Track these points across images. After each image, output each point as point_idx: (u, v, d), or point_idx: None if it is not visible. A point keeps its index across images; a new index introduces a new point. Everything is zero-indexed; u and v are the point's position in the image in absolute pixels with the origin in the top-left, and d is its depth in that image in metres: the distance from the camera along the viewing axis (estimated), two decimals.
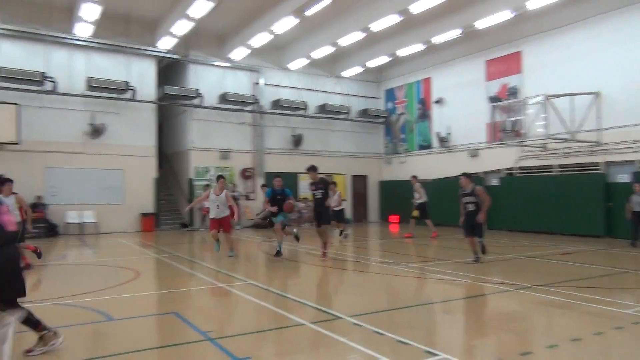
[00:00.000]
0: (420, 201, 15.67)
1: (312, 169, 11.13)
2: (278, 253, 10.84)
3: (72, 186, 17.63)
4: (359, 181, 24.58)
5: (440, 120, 21.53)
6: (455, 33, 17.67)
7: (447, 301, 6.92)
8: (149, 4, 17.51)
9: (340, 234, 15.27)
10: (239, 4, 16.96)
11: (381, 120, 24.58)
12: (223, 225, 10.92)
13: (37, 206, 16.62)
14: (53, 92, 17.22)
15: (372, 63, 21.53)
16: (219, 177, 11.33)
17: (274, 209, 11.04)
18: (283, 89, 22.14)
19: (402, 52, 19.98)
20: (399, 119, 24.04)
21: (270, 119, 21.89)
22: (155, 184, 19.35)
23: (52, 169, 17.34)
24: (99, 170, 18.05)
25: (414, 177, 16.42)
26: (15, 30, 16.77)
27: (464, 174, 10.13)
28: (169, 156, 22.20)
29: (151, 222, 18.72)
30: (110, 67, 18.41)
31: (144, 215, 18.59)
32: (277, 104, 21.39)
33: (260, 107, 21.43)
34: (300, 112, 22.17)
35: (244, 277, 8.44)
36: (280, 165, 21.80)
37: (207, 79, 20.39)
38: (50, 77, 17.05)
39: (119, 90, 18.08)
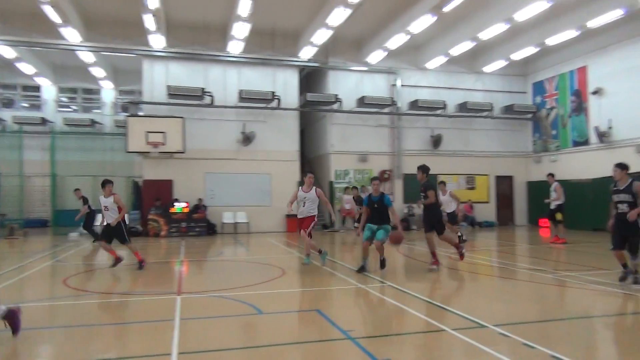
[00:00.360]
0: (558, 202, 14.12)
1: (422, 168, 10.05)
2: (362, 268, 9.13)
3: (227, 189, 19.46)
4: (504, 182, 23.08)
5: (599, 113, 19.26)
6: (616, 14, 15.68)
7: (609, 316, 6.17)
8: (291, 18, 18.58)
9: (460, 240, 14.11)
10: (374, 8, 17.13)
11: (529, 116, 22.81)
12: (303, 225, 9.86)
13: (199, 208, 18.67)
14: (211, 105, 19.21)
15: (517, 55, 20.10)
16: (310, 171, 10.50)
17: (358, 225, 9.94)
18: (421, 89, 21.78)
19: (552, 41, 18.32)
20: (550, 113, 22.05)
21: (408, 120, 21.69)
22: (298, 187, 20.38)
23: (210, 174, 19.33)
24: (250, 174, 19.64)
25: (551, 175, 14.87)
26: (179, 52, 19.10)
27: (619, 165, 8.00)
28: (310, 160, 23.26)
29: (295, 223, 19.74)
30: (258, 79, 19.93)
31: (289, 216, 19.71)
32: (414, 104, 21.11)
33: (398, 109, 21.35)
34: (439, 111, 21.58)
35: (382, 279, 8.48)
36: None
37: (346, 84, 20.94)
38: (209, 92, 19.05)
39: (266, 100, 19.48)
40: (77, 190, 16.41)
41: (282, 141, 20.26)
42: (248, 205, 19.66)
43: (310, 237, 9.83)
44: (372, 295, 7.36)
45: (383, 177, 21.26)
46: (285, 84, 20.31)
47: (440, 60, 20.63)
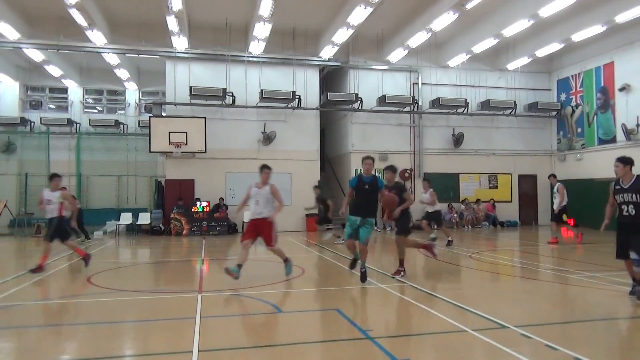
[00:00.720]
0: (563, 204, 13.83)
1: (391, 169, 9.25)
2: (363, 275, 8.04)
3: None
4: (527, 181, 22.70)
5: (626, 110, 18.77)
6: None
7: (633, 318, 6.02)
8: (312, 17, 18.60)
9: (448, 243, 13.59)
10: (395, 6, 17.03)
11: (553, 113, 22.37)
12: (261, 230, 8.34)
13: (220, 207, 18.85)
14: (232, 105, 19.38)
15: (542, 52, 19.72)
16: (265, 166, 8.81)
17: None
18: (442, 87, 21.58)
19: (578, 37, 17.92)
20: (575, 111, 21.59)
21: (429, 118, 21.51)
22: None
23: (231, 173, 19.49)
24: (271, 174, 19.70)
25: (553, 176, 14.67)
26: (202, 54, 19.31)
27: (621, 159, 6.72)
28: (330, 160, 23.26)
29: (314, 222, 19.79)
30: (278, 79, 20.02)
31: (309, 215, 19.75)
32: (436, 103, 20.92)
33: (419, 107, 21.19)
34: (461, 110, 21.34)
35: (403, 279, 8.44)
36: (440, 165, 21.33)
37: (366, 83, 20.88)
38: (230, 92, 19.22)
39: (287, 100, 19.55)
40: (63, 188, 16.42)
41: (302, 141, 20.31)
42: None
43: (276, 242, 8.51)
44: (392, 295, 7.34)
45: (404, 175, 21.14)
46: (306, 84, 20.35)
47: (462, 57, 20.39)
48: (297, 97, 19.70)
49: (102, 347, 4.90)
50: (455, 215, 20.93)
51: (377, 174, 8.47)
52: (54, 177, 9.80)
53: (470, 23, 18.35)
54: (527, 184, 22.69)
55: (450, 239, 13.83)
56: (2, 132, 21.94)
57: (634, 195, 6.42)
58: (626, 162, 6.65)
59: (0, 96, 22.88)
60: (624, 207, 6.51)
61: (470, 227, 20.67)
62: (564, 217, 13.95)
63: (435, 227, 14.06)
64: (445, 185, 21.45)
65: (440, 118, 21.62)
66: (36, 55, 19.17)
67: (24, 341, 5.23)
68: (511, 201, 22.37)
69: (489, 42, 18.54)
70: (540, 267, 10.26)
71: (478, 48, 19.16)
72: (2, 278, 8.68)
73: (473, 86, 21.87)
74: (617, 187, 6.67)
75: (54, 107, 24.08)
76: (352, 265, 8.71)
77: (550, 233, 14.64)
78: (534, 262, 10.97)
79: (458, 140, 21.51)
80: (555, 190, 14.09)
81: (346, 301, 7.17)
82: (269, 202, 8.41)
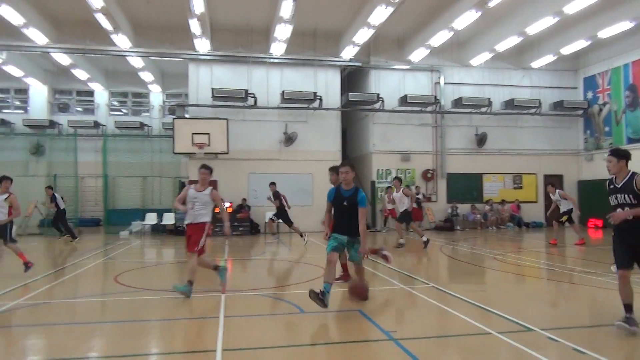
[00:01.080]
0: (570, 207, 13.89)
1: (334, 169, 8.44)
2: (322, 296, 6.10)
3: (270, 189, 19.69)
4: (553, 181, 22.16)
5: None
6: None
7: None
8: (332, 18, 18.60)
9: (425, 245, 13.10)
10: (416, 5, 16.91)
11: (579, 112, 21.91)
12: (192, 233, 7.48)
13: (242, 207, 19.00)
14: (254, 106, 19.51)
15: (567, 49, 19.32)
16: (203, 166, 8.00)
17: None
18: (464, 86, 21.33)
19: (604, 33, 17.50)
20: (602, 109, 21.10)
21: (451, 118, 21.29)
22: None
23: (254, 174, 19.62)
24: (292, 174, 19.80)
25: (551, 185, 14.69)
26: (224, 55, 19.51)
27: (614, 152, 5.48)
28: (352, 160, 23.21)
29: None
30: (300, 80, 20.08)
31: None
32: (458, 102, 20.68)
33: (441, 107, 20.99)
34: (484, 109, 21.06)
35: (426, 280, 8.37)
36: (463, 165, 21.11)
37: (388, 83, 20.78)
38: (252, 94, 19.36)
39: (308, 101, 19.59)
40: (48, 187, 17.01)
41: (323, 141, 20.32)
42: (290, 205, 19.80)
43: (203, 252, 7.60)
44: (415, 297, 7.28)
45: (426, 176, 20.97)
46: (327, 84, 20.36)
47: (485, 56, 20.13)
48: (318, 97, 19.72)
49: (128, 345, 4.99)
50: (478, 216, 20.67)
51: (358, 187, 6.91)
52: (3, 179, 9.39)
53: (493, 21, 18.10)
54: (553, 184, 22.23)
55: (425, 238, 13.27)
56: (32, 134, 22.59)
57: (627, 197, 5.20)
58: (621, 155, 5.37)
59: (30, 99, 23.59)
60: (620, 209, 5.27)
61: (494, 228, 20.39)
62: (564, 218, 14.01)
63: (405, 227, 13.84)
64: (468, 186, 21.22)
65: (463, 118, 21.37)
66: (64, 59, 19.63)
67: (52, 338, 5.36)
68: (536, 202, 21.98)
69: (512, 40, 18.25)
70: (566, 268, 10.05)
71: (501, 46, 18.88)
72: (31, 277, 8.91)
73: (496, 85, 21.56)
74: (611, 186, 5.48)
75: (81, 109, 24.64)
76: (318, 297, 6.08)
77: (576, 235, 14.34)
78: (560, 264, 10.75)
79: (481, 140, 21.24)
80: (557, 198, 14.08)
81: (369, 302, 7.13)
82: (206, 207, 7.54)
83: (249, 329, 5.56)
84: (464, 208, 20.90)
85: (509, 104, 21.07)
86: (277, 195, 15.48)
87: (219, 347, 4.73)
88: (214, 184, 19.21)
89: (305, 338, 5.27)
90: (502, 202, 21.16)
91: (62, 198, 16.97)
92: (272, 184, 15.84)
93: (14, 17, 15.77)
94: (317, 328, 5.62)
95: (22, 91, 23.76)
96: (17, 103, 23.94)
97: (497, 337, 5.01)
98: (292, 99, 19.33)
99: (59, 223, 16.65)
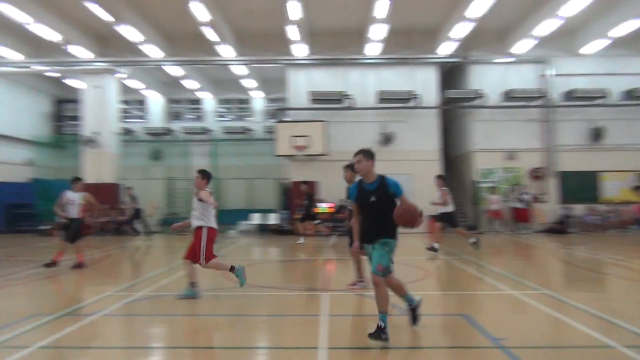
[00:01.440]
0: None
1: (348, 166, 7.86)
2: (380, 333, 4.87)
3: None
4: None
5: None
6: None
7: None
8: (428, 14, 18.20)
9: (475, 246, 12.21)
10: None
11: None
12: (193, 241, 7.22)
13: (342, 208, 19.21)
14: (351, 108, 19.69)
15: None
16: (197, 171, 7.58)
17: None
18: (576, 77, 19.68)
19: None
20: None
21: (562, 112, 19.76)
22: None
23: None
24: (390, 175, 19.56)
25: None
26: (321, 59, 19.94)
27: None
28: (453, 159, 22.48)
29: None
30: (396, 79, 19.89)
31: (431, 217, 19.27)
32: (569, 95, 19.15)
33: (550, 101, 19.58)
34: (600, 101, 19.28)
35: (537, 286, 7.87)
36: (576, 163, 19.49)
37: (489, 78, 19.84)
38: (348, 95, 19.55)
39: (404, 100, 19.34)
40: (128, 188, 18.94)
41: (422, 140, 19.92)
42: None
43: (210, 258, 7.18)
44: (526, 303, 6.87)
45: (534, 175, 19.67)
46: (424, 82, 19.94)
47: (599, 44, 18.43)
48: (416, 96, 19.38)
49: (237, 338, 5.30)
50: (596, 217, 18.95)
51: (384, 175, 5.52)
52: (77, 180, 10.57)
53: (608, 5, 16.54)
54: None
55: (474, 240, 12.30)
56: (152, 141, 24.87)
57: None
58: None
59: (150, 109, 26.01)
60: None
61: (616, 230, 18.58)
62: None
63: (452, 229, 12.64)
64: (582, 185, 19.55)
65: (576, 111, 19.74)
66: (176, 71, 21.34)
67: (172, 327, 5.86)
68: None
69: (631, 25, 16.53)
70: None
71: (618, 32, 17.17)
72: (154, 271, 9.76)
73: (614, 74, 19.62)
74: None
75: (192, 117, 26.60)
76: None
77: None
78: None
79: (597, 134, 19.46)
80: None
81: (473, 307, 6.89)
82: (201, 210, 7.17)
83: (351, 328, 5.63)
84: (579, 209, 19.29)
85: (630, 94, 19.08)
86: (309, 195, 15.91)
87: (322, 345, 4.84)
88: (311, 184, 19.73)
89: (407, 340, 5.22)
90: (626, 202, 19.11)
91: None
92: (304, 183, 16.47)
93: (135, 36, 17.50)
94: (418, 331, 5.53)
95: (142, 102, 26.24)
96: (138, 113, 26.44)
97: (622, 351, 4.58)
98: (388, 98, 19.22)
99: (134, 220, 18.93)
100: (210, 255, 7.17)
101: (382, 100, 19.24)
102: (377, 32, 17.17)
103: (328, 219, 18.86)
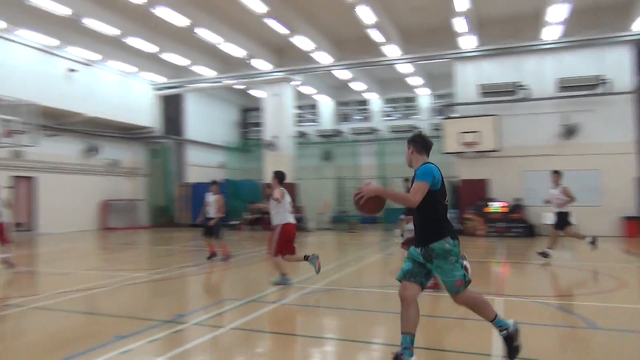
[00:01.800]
0: None
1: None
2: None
3: (546, 188, 18.05)
4: None
5: None
6: None
7: None
8: None
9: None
10: None
11: None
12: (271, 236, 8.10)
13: (516, 208, 17.93)
14: (525, 99, 18.21)
15: None
16: (274, 173, 8.23)
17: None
18: None
19: None
20: None
21: None
22: (637, 184, 17.23)
23: (527, 172, 18.29)
24: (574, 171, 17.60)
25: None
26: (490, 49, 18.84)
27: None
28: None
29: (635, 227, 16.73)
30: (579, 64, 17.78)
31: (626, 218, 16.84)
32: None
33: None
34: None
35: None
36: None
37: None
38: (522, 86, 18.12)
39: (590, 86, 17.19)
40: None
41: (613, 131, 17.43)
42: (573, 205, 17.71)
43: (278, 254, 7.90)
44: None
45: None
46: (615, 65, 17.42)
47: None
48: (605, 81, 17.08)
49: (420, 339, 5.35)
50: None
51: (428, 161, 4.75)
52: (214, 183, 11.72)
53: None
54: None
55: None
56: (323, 142, 26.44)
57: None
58: None
59: (321, 113, 27.71)
60: None
61: None
62: None
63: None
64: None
65: None
66: (344, 74, 22.32)
67: (343, 320, 6.18)
68: None
69: None
70: None
71: None
72: (326, 266, 10.38)
73: None
74: None
75: (359, 118, 27.53)
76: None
77: None
78: None
79: None
80: None
81: None
82: (278, 208, 7.85)
83: (527, 338, 5.26)
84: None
85: None
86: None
87: (495, 353, 4.63)
88: (482, 183, 18.76)
89: (594, 357, 4.68)
90: None
91: None
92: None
93: (307, 45, 18.85)
94: (612, 348, 4.91)
95: (313, 106, 28.03)
96: (311, 116, 28.31)
97: None
98: (571, 86, 17.29)
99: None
100: (279, 251, 7.84)
101: (563, 88, 17.39)
102: (556, 13, 15.56)
103: (501, 219, 17.80)
